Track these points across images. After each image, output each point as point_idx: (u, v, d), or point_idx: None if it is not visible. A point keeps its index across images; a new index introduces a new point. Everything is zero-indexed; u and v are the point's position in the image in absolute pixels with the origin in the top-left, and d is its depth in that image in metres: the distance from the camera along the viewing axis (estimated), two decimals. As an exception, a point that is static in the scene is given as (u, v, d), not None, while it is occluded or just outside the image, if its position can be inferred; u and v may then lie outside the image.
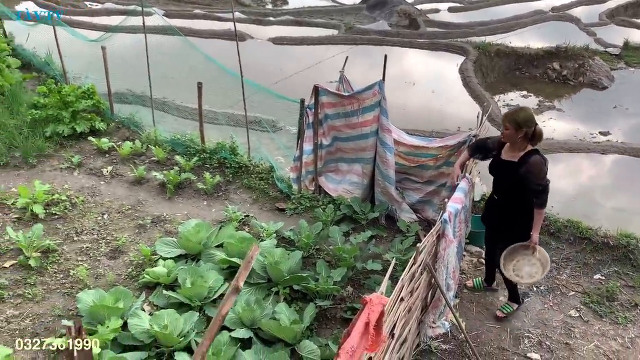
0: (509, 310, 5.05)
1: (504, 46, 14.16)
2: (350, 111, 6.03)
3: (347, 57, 6.43)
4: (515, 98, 12.22)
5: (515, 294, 5.06)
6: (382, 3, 19.73)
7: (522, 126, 4.25)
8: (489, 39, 15.03)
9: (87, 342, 0.91)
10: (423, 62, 13.82)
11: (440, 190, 6.13)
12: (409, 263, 3.61)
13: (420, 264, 3.82)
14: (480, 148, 4.93)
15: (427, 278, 4.26)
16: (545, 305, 5.25)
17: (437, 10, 20.56)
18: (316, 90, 6.13)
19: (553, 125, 10.48)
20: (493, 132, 9.67)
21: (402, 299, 3.56)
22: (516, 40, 15.01)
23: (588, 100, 12.16)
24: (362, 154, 6.24)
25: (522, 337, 4.85)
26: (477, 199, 6.07)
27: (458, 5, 21.59)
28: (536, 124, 4.32)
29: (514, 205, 4.56)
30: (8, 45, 9.70)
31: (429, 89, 12.04)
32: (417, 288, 4.04)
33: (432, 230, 4.11)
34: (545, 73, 13.43)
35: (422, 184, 6.29)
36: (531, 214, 4.44)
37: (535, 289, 5.46)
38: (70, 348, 0.89)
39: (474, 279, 5.47)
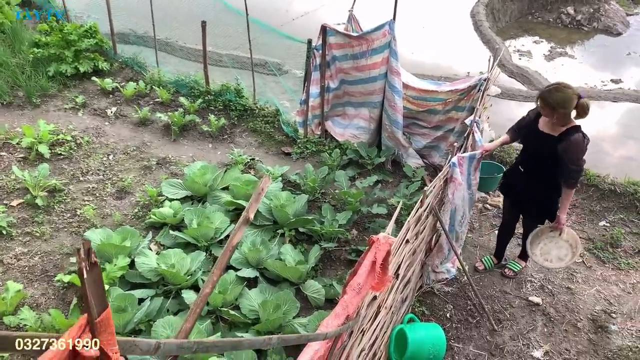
0: (517, 269, 4.95)
1: (518, -11, 13.67)
2: (359, 52, 5.88)
3: (356, -4, 6.20)
4: (526, 44, 11.90)
5: (525, 252, 4.78)
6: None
7: (556, 108, 3.87)
8: (502, -19, 14.48)
9: (95, 262, 0.89)
10: (433, 5, 13.37)
11: (448, 135, 6.06)
12: (416, 206, 3.60)
13: (426, 207, 3.81)
14: (522, 128, 4.42)
15: (433, 222, 4.27)
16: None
17: (449, -49, 19.74)
18: (324, 31, 5.96)
19: (564, 72, 10.25)
20: (503, 78, 9.51)
21: (407, 241, 3.57)
22: (530, -18, 14.46)
23: (601, 47, 11.84)
24: (370, 98, 6.14)
25: (525, 281, 4.91)
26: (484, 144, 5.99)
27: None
28: (579, 100, 3.83)
29: (542, 180, 4.25)
30: (6, -20, 9.38)
31: (439, 33, 11.72)
32: (423, 231, 4.05)
33: (440, 174, 4.08)
34: (558, 18, 13.02)
35: (430, 129, 6.21)
36: (559, 192, 4.13)
37: (539, 235, 5.47)
38: (81, 268, 0.87)
39: (484, 259, 5.08)
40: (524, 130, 4.39)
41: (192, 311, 1.25)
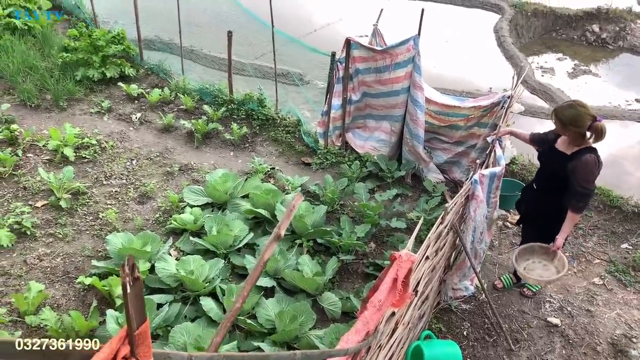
0: (536, 289, 4.88)
1: (542, 5, 13.60)
2: (382, 66, 5.91)
3: (382, 10, 6.25)
4: (550, 60, 11.84)
5: None
6: (416, -45, 19.03)
7: (567, 125, 3.85)
8: (527, -3, 14.47)
9: (137, 277, 0.92)
10: (457, 20, 13.39)
11: (469, 151, 6.05)
12: (437, 222, 3.60)
13: (447, 224, 3.81)
14: (543, 140, 4.41)
15: (453, 239, 4.26)
16: (569, 272, 5.23)
17: (473, -35, 19.76)
18: (348, 44, 6.00)
19: (587, 90, 10.18)
20: (525, 94, 9.46)
21: (427, 258, 3.57)
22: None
23: (626, 66, 11.73)
24: (392, 111, 6.16)
25: (544, 301, 4.85)
26: (506, 162, 5.97)
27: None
28: (593, 121, 3.79)
29: (552, 197, 4.20)
30: (39, -14, 9.64)
31: (462, 47, 11.72)
32: (442, 248, 4.04)
33: (461, 191, 4.07)
34: (583, 35, 12.94)
35: (451, 145, 6.21)
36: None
37: (559, 255, 5.42)
38: (124, 282, 0.91)
39: (502, 278, 5.01)
40: (544, 144, 4.39)
41: (222, 325, 1.28)
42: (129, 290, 0.90)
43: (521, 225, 4.94)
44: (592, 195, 4.01)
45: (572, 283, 5.09)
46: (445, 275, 4.61)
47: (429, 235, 3.45)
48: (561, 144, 4.14)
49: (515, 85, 5.53)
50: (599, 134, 3.82)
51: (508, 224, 5.80)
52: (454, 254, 4.63)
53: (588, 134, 3.90)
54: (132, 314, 0.96)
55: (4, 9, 8.58)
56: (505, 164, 5.98)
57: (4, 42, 8.15)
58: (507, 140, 5.79)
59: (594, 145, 3.94)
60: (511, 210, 5.86)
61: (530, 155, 6.47)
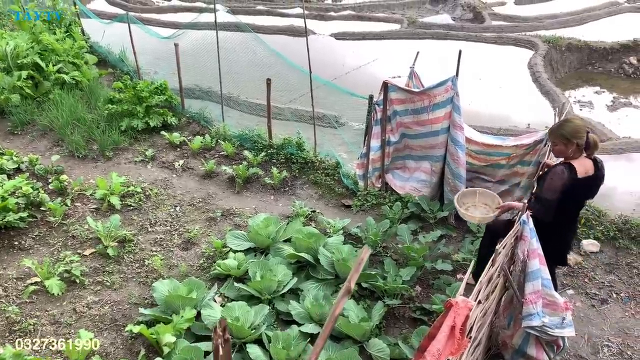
0: None
1: (576, 40, 13.53)
2: (420, 107, 5.94)
3: (417, 53, 6.32)
4: (587, 94, 11.69)
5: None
6: (445, -4, 19.33)
7: (570, 139, 3.98)
8: (559, 32, 14.41)
9: (227, 339, 0.93)
10: (489, 57, 13.40)
11: (513, 190, 5.95)
12: (487, 265, 3.51)
13: (498, 267, 3.72)
14: None
15: (503, 281, 4.14)
16: (626, 314, 5.00)
17: (502, 3, 19.89)
18: (385, 87, 6.07)
19: (629, 122, 9.94)
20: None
21: (479, 302, 3.48)
22: (589, 33, 14.32)
23: (668, 97, 11.47)
24: (432, 152, 6.14)
25: (601, 345, 4.64)
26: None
27: (525, -3, 20.83)
28: (588, 132, 3.99)
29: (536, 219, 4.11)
30: (86, 42, 10.14)
31: (496, 84, 11.69)
32: (493, 291, 3.94)
33: (510, 232, 3.99)
34: (620, 68, 12.76)
35: (494, 184, 6.11)
36: (555, 233, 4.18)
37: (614, 295, 5.20)
38: (217, 344, 0.91)
39: None
40: None
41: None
42: (221, 353, 0.90)
43: None
44: (549, 207, 4.04)
45: (630, 325, 4.86)
46: (496, 318, 4.47)
47: (480, 279, 3.37)
48: None
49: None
50: (594, 145, 4.00)
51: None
52: (504, 296, 4.49)
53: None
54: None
55: (53, 65, 9.03)
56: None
57: (54, 97, 8.55)
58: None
59: (576, 162, 4.01)
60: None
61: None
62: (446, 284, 5.10)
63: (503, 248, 3.80)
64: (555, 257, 4.30)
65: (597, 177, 4.09)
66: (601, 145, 8.42)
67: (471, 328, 3.48)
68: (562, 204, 4.06)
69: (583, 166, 4.05)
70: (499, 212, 4.69)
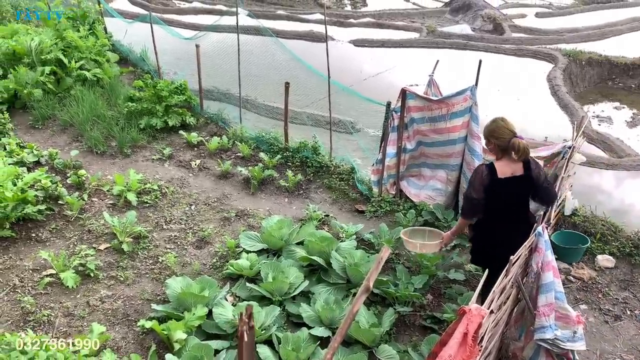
0: None
1: (597, 54, 13.46)
2: (438, 116, 5.94)
3: (437, 61, 6.33)
4: (606, 109, 11.59)
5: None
6: (466, 6, 19.32)
7: (488, 138, 4.22)
8: (580, 46, 14.34)
9: (252, 326, 0.95)
10: (508, 68, 13.35)
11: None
12: (501, 276, 3.50)
13: (511, 278, 3.70)
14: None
15: (516, 292, 4.12)
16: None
17: (523, 16, 19.85)
18: (403, 94, 6.08)
19: (649, 139, 9.85)
20: (584, 145, 9.23)
21: (492, 312, 3.46)
22: (610, 48, 14.21)
23: (689, 115, 11.33)
24: (448, 160, 6.13)
25: (614, 363, 4.59)
26: (567, 213, 5.81)
27: (546, 10, 20.77)
28: (512, 136, 4.11)
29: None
30: (108, 41, 10.29)
31: (514, 96, 11.64)
32: (505, 302, 3.92)
33: (525, 243, 3.97)
34: (641, 84, 12.66)
35: (510, 195, 6.08)
36: (483, 231, 4.37)
37: (629, 312, 5.15)
38: (242, 331, 0.93)
39: None
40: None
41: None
42: (245, 339, 0.92)
43: None
44: (473, 205, 4.22)
45: (644, 344, 4.80)
46: (507, 329, 4.44)
47: (493, 289, 3.36)
48: None
49: (577, 136, 5.43)
50: (516, 150, 4.07)
51: (571, 277, 5.57)
52: (515, 307, 4.47)
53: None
54: (246, 357, 0.98)
55: (76, 62, 9.18)
56: (567, 215, 5.85)
57: (75, 93, 8.69)
58: (568, 191, 5.66)
59: (499, 162, 4.16)
60: (574, 264, 5.64)
61: (593, 207, 6.27)
62: (458, 294, 5.09)
63: (517, 259, 3.78)
64: (477, 256, 4.51)
65: (527, 178, 4.15)
66: (619, 162, 8.36)
67: (482, 338, 3.47)
68: (487, 203, 4.20)
69: (508, 167, 4.16)
70: (442, 244, 4.71)
